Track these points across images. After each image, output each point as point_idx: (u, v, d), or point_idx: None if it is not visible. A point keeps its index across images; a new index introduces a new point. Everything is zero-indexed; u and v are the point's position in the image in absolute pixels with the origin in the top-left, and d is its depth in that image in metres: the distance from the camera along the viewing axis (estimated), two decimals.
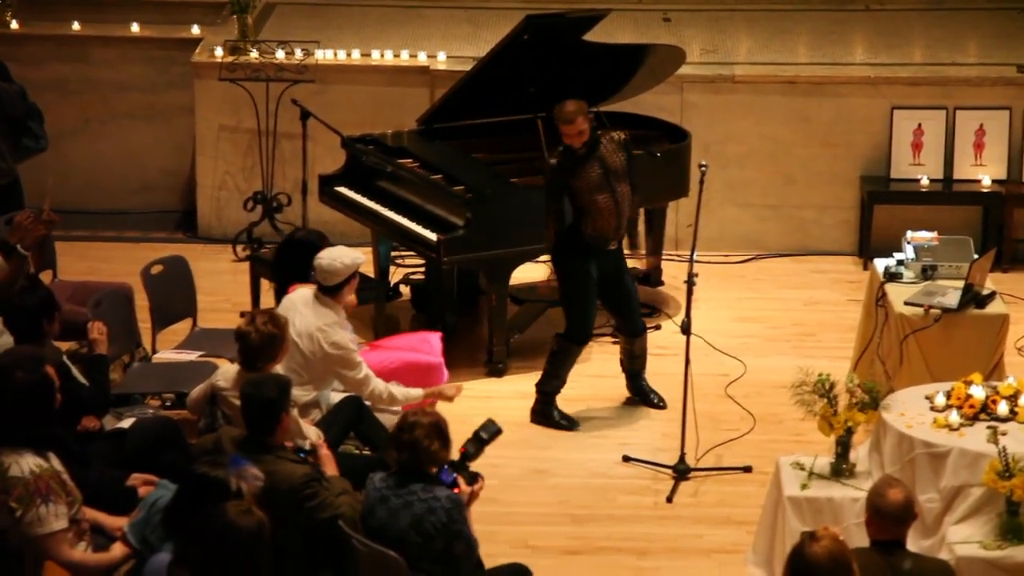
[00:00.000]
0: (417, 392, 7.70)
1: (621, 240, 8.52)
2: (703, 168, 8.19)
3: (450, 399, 7.82)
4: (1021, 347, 9.17)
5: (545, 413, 8.50)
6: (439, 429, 6.23)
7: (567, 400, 8.62)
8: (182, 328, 8.64)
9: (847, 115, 10.53)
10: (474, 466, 6.40)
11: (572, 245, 8.34)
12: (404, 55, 10.72)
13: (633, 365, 8.68)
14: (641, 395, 8.69)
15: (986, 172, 10.40)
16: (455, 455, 6.36)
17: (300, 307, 7.63)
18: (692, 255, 8.08)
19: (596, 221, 8.28)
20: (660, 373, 8.80)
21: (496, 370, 9.02)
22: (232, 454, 6.07)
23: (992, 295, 8.23)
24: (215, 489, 5.52)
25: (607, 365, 9.05)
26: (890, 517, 5.81)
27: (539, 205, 8.69)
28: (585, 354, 8.90)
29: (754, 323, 9.55)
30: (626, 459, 8.14)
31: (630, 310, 8.53)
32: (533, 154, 9.21)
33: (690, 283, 8.00)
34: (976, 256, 8.40)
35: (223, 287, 9.79)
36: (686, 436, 7.96)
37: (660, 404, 8.66)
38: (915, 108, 10.44)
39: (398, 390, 7.67)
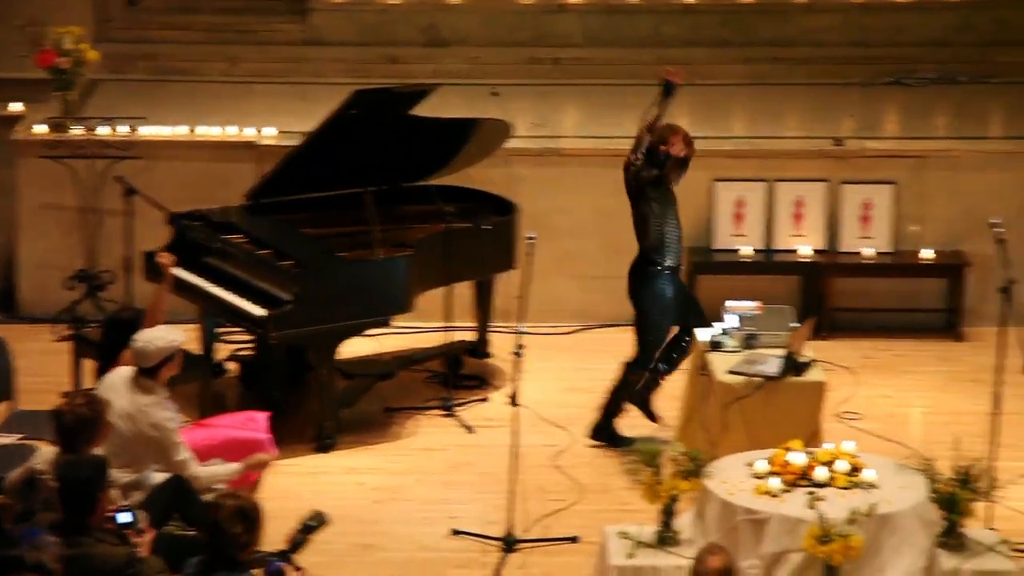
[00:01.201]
0: (235, 466, 7.61)
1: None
2: (530, 240, 8.26)
3: (266, 463, 7.73)
4: (839, 413, 9.37)
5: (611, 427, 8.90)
6: (243, 512, 6.04)
7: (396, 474, 8.59)
8: (0, 410, 8.45)
9: None
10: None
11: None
12: (231, 130, 10.67)
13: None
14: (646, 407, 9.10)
15: (805, 242, 10.65)
16: (281, 545, 6.27)
17: (119, 387, 7.54)
18: (519, 326, 8.12)
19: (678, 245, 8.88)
20: (488, 445, 8.82)
21: (325, 445, 8.95)
22: (27, 528, 5.95)
23: (811, 363, 8.41)
24: (12, 567, 5.40)
25: (435, 438, 9.05)
26: None
27: (368, 279, 8.66)
28: (412, 427, 8.89)
29: (583, 393, 9.60)
30: (455, 532, 8.13)
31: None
32: (362, 228, 9.21)
33: (517, 355, 8.05)
34: (796, 324, 8.58)
35: (44, 367, 9.59)
36: (515, 507, 7.97)
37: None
38: (736, 180, 10.66)
39: (217, 469, 7.57)
